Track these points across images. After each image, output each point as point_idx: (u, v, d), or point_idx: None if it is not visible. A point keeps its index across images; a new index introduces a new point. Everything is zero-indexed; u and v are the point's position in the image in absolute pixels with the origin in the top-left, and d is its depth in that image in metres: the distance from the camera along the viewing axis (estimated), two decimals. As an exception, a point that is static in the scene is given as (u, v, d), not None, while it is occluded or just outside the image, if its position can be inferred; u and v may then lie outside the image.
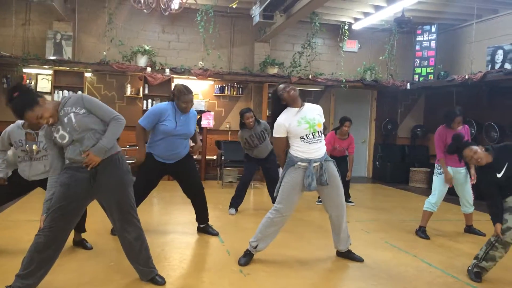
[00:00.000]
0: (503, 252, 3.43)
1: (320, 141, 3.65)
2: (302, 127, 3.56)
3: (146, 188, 4.39)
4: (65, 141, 2.81)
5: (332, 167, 3.73)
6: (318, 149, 3.62)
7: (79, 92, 2.92)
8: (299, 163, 3.58)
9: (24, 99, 2.67)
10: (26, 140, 3.65)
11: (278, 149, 3.77)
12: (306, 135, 3.57)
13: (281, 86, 3.69)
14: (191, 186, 4.49)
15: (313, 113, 3.68)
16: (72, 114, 2.79)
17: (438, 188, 4.82)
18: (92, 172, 2.85)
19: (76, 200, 2.84)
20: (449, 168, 4.79)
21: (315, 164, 3.59)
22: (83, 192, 2.86)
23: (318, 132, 3.61)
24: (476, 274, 3.53)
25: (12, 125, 3.70)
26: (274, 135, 3.69)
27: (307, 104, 3.73)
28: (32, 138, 3.66)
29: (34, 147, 3.64)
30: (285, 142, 3.67)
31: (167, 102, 4.30)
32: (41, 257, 2.77)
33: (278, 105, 3.71)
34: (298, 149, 3.60)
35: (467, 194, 4.88)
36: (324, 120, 3.77)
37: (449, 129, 4.80)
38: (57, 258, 2.89)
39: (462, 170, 4.85)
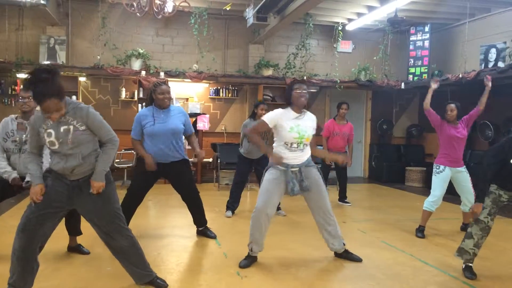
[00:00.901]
0: (478, 230, 3.48)
1: (302, 150, 3.66)
2: (292, 135, 3.57)
3: (141, 189, 4.35)
4: (52, 147, 2.76)
5: (314, 172, 3.74)
6: (298, 157, 3.65)
7: (82, 104, 2.83)
8: (278, 166, 3.63)
9: (54, 85, 2.55)
10: (17, 130, 3.68)
11: (254, 130, 3.77)
12: (291, 143, 3.59)
13: (298, 85, 3.67)
14: (184, 191, 4.48)
15: (308, 124, 3.67)
16: (71, 128, 2.72)
17: (437, 188, 4.82)
18: (74, 183, 2.83)
19: (53, 207, 2.80)
20: (449, 168, 4.81)
21: (293, 169, 3.61)
22: (61, 200, 2.82)
23: (303, 144, 3.64)
24: (467, 269, 3.55)
25: (5, 118, 3.73)
26: (264, 117, 3.69)
27: (307, 113, 3.73)
28: (22, 127, 3.68)
29: (24, 136, 3.64)
30: (264, 128, 3.72)
31: (148, 107, 4.34)
32: (20, 262, 2.74)
33: (287, 98, 3.72)
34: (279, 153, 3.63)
35: (467, 193, 4.86)
36: (314, 133, 3.75)
37: (444, 121, 4.85)
38: (36, 262, 2.84)
39: (462, 169, 4.87)
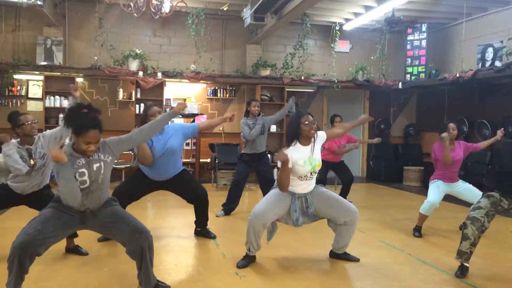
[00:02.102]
0: (474, 229, 3.44)
1: (311, 179, 3.62)
2: (306, 169, 3.51)
3: (126, 196, 4.23)
4: (83, 186, 2.76)
5: (318, 189, 3.73)
6: (305, 188, 3.62)
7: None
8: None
9: (95, 118, 2.72)
10: (28, 157, 3.64)
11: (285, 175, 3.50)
12: (305, 176, 3.55)
13: (305, 117, 3.51)
14: (191, 197, 4.48)
15: (318, 151, 3.60)
16: (102, 164, 2.81)
17: (431, 194, 4.83)
18: (82, 217, 2.86)
19: (54, 235, 2.78)
20: (445, 184, 4.84)
21: (299, 197, 3.61)
22: (65, 229, 2.85)
23: (314, 174, 3.60)
24: (461, 268, 3.55)
25: (12, 142, 3.64)
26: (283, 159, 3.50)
27: (317, 136, 3.61)
28: (30, 152, 3.65)
29: (32, 162, 3.63)
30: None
31: None
32: (16, 268, 2.68)
33: (293, 132, 3.56)
34: None
35: (475, 194, 4.77)
36: (325, 135, 3.73)
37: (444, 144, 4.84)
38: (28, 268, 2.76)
39: (458, 182, 4.89)
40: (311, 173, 3.57)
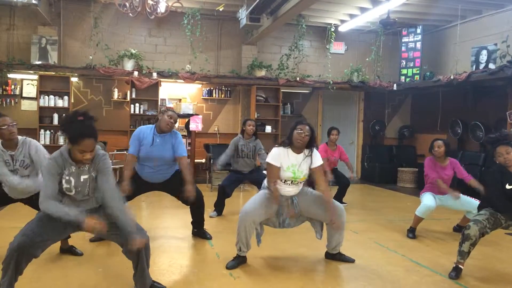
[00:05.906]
0: (476, 229, 3.47)
1: (296, 185, 3.67)
2: (287, 174, 3.59)
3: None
4: (68, 193, 2.78)
5: (304, 190, 3.78)
6: (290, 192, 3.68)
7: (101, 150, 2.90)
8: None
9: (91, 126, 2.69)
10: (12, 161, 3.58)
11: (273, 178, 3.57)
12: (285, 180, 3.61)
13: (301, 126, 3.55)
14: (185, 200, 4.44)
15: (306, 166, 3.62)
16: (88, 177, 2.81)
17: (425, 199, 4.83)
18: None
19: (52, 237, 2.77)
20: (436, 196, 4.84)
21: (286, 199, 3.67)
22: (63, 230, 2.83)
23: (298, 182, 3.66)
24: (455, 269, 3.57)
25: None
26: (268, 160, 3.59)
27: (314, 153, 3.65)
28: (13, 158, 3.60)
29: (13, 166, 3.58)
30: (277, 172, 3.56)
31: (149, 125, 4.39)
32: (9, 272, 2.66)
33: (289, 136, 3.62)
34: None
35: (468, 202, 4.76)
36: (320, 163, 3.68)
37: (435, 160, 4.86)
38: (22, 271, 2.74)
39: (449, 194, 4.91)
40: (292, 181, 3.62)
